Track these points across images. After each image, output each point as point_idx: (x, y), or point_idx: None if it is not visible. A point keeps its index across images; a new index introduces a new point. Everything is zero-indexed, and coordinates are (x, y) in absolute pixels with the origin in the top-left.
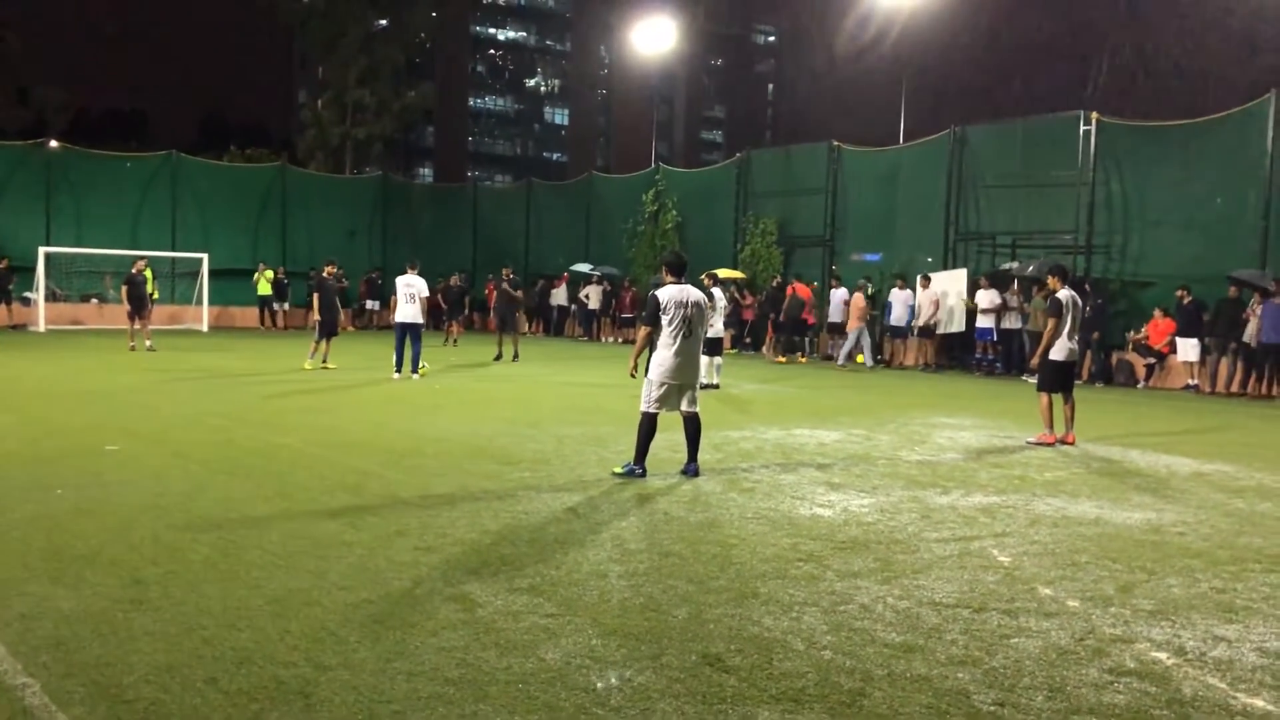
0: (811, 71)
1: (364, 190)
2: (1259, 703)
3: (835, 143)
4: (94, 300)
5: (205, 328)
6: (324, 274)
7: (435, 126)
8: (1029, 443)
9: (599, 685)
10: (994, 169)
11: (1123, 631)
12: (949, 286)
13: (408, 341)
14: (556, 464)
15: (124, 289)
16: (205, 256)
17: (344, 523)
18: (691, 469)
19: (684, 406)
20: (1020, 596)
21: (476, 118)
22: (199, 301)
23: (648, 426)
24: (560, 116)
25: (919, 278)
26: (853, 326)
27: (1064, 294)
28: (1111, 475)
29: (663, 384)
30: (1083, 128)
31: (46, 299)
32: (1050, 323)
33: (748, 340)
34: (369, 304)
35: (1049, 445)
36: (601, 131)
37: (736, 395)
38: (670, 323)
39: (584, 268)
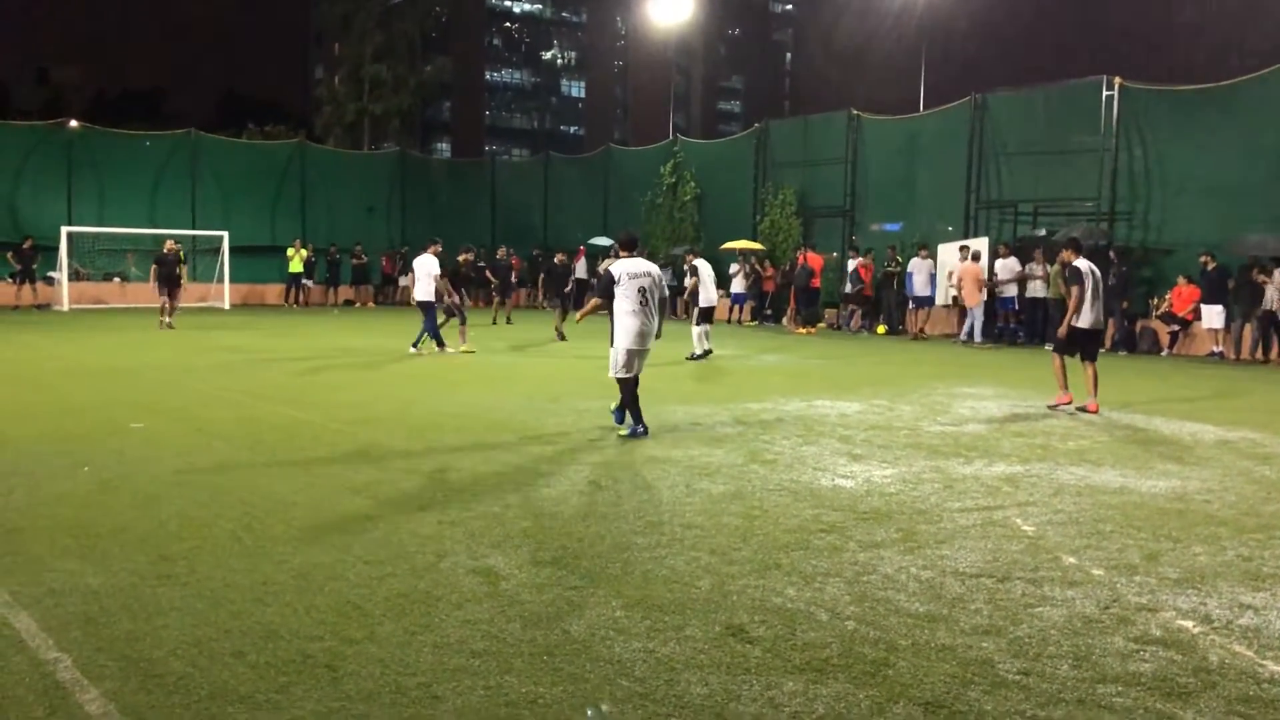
0: (829, 39)
1: (382, 166)
2: None
3: (854, 111)
4: (117, 279)
5: (228, 305)
6: (460, 260)
7: (452, 101)
8: (1049, 407)
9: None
10: (1015, 136)
11: (1148, 600)
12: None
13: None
14: (577, 437)
15: (153, 268)
16: (226, 234)
17: (367, 497)
18: (620, 418)
19: (639, 369)
20: (1044, 566)
21: (493, 92)
22: (220, 279)
23: (631, 390)
24: (577, 89)
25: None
26: (973, 303)
27: (1082, 263)
28: (1136, 443)
29: (627, 350)
30: (1105, 93)
31: (70, 278)
32: (1074, 291)
33: (768, 312)
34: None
35: (1067, 405)
36: (619, 104)
37: (757, 367)
38: (626, 294)
39: (602, 241)
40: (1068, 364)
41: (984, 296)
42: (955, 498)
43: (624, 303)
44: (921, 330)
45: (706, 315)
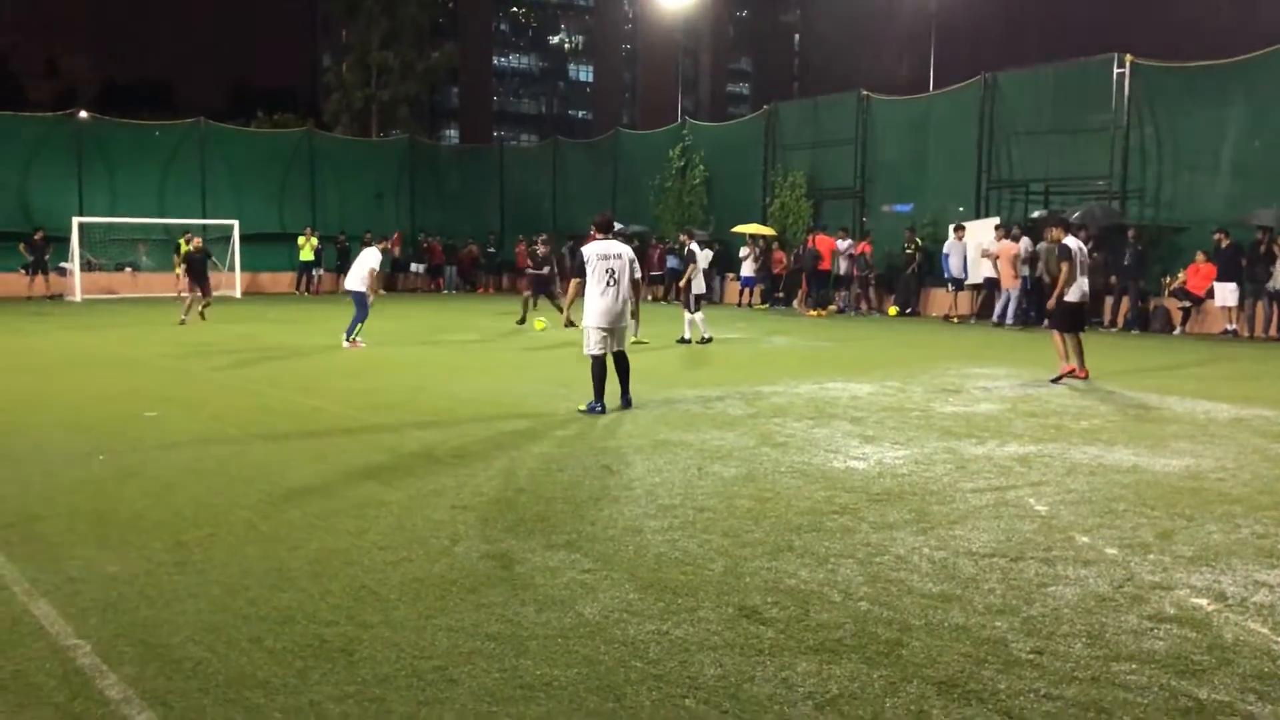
0: (838, 20)
1: (390, 153)
2: None
3: (864, 92)
4: (129, 269)
5: (239, 294)
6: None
7: (460, 87)
8: (1052, 381)
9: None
10: (1026, 115)
11: (1162, 578)
12: (981, 236)
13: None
14: (588, 421)
15: (182, 268)
16: (236, 223)
17: (381, 483)
18: (626, 401)
19: (614, 346)
20: (1058, 545)
21: (501, 77)
22: (231, 268)
23: (599, 369)
24: (585, 74)
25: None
26: (1010, 284)
27: (1071, 241)
28: (1149, 422)
29: (599, 328)
30: (1116, 70)
31: (82, 269)
32: (1064, 267)
33: (780, 295)
34: (414, 267)
35: (1071, 374)
36: (627, 88)
37: (767, 350)
38: (595, 274)
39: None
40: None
41: (1022, 276)
42: (968, 478)
43: (593, 283)
44: (957, 314)
45: (698, 301)
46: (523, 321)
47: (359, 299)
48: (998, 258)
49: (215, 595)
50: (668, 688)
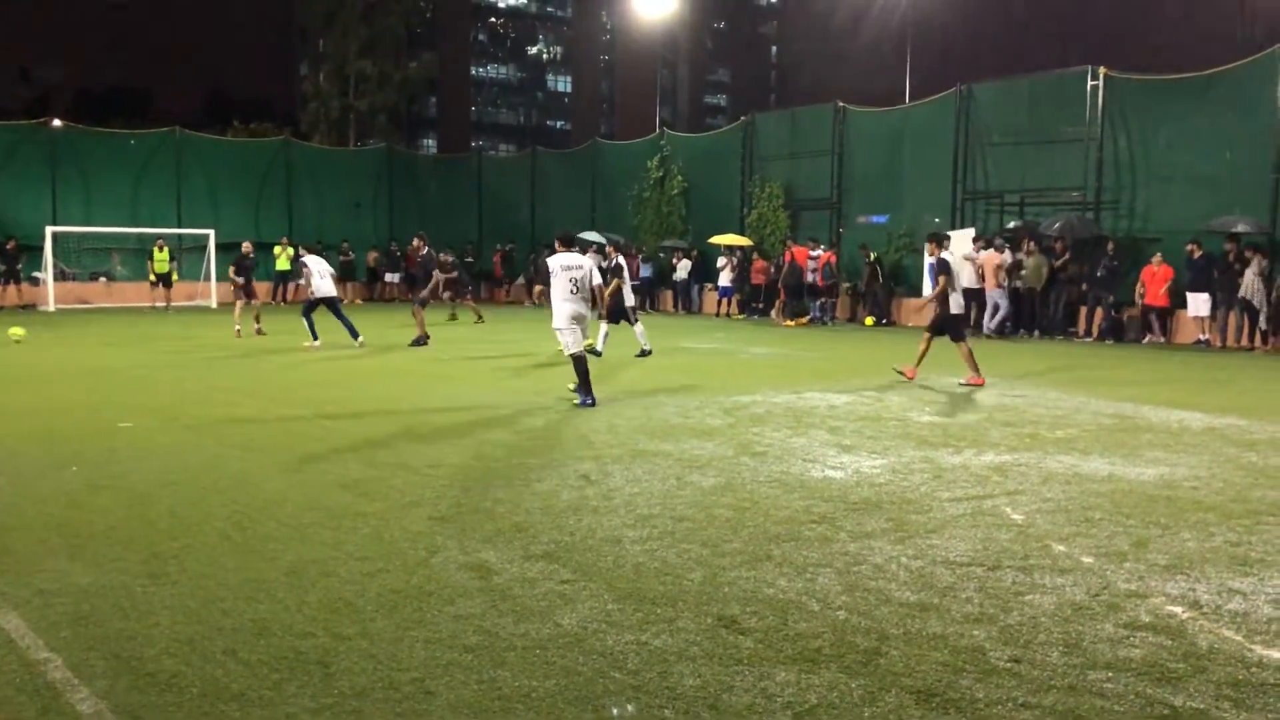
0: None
1: (368, 162)
2: (1275, 654)
3: (840, 103)
4: (102, 279)
5: (215, 304)
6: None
7: (438, 97)
8: (961, 384)
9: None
10: (1001, 126)
11: (1137, 586)
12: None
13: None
14: (567, 432)
15: (232, 272)
16: (212, 233)
17: (357, 494)
18: (587, 400)
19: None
20: (1034, 554)
21: (479, 87)
22: (207, 277)
23: (583, 365)
24: (563, 84)
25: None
26: (992, 288)
27: (949, 255)
28: (1124, 431)
29: (570, 329)
30: (1090, 83)
31: (55, 278)
32: (942, 280)
33: (758, 305)
34: (388, 277)
35: (979, 385)
36: (605, 98)
37: (746, 360)
38: (559, 283)
39: (590, 235)
40: (933, 345)
41: (1006, 285)
42: (945, 487)
43: (558, 291)
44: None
45: (624, 313)
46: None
47: (335, 304)
48: (983, 267)
49: (190, 607)
50: (646, 698)
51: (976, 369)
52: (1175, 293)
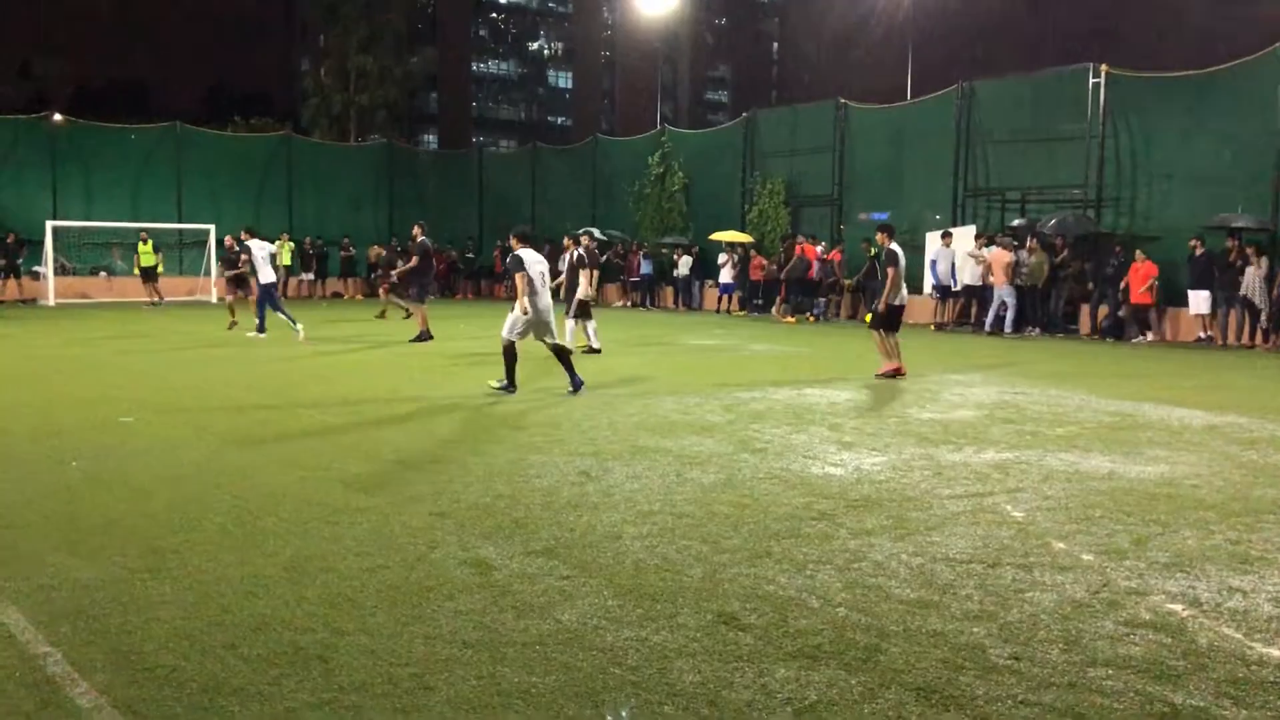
0: (816, 29)
1: (369, 158)
2: (1275, 652)
3: (842, 100)
4: (102, 273)
5: (215, 299)
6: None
7: (439, 92)
8: (878, 375)
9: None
10: (1003, 124)
11: (1137, 584)
12: (964, 244)
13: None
14: (567, 428)
15: (220, 264)
16: (212, 227)
17: (357, 489)
18: (577, 383)
19: (548, 339)
20: (1034, 551)
21: (480, 82)
22: (207, 272)
23: (512, 353)
24: (564, 80)
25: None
26: (1001, 284)
27: (896, 247)
28: (1124, 429)
29: (528, 322)
30: (1092, 80)
31: (56, 273)
32: (891, 273)
33: (758, 302)
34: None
35: (896, 373)
36: (606, 94)
37: (746, 356)
38: (531, 277)
39: (591, 232)
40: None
41: (1014, 283)
42: (945, 484)
43: (534, 285)
44: (948, 320)
45: (586, 309)
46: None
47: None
48: (990, 264)
49: (189, 602)
50: (646, 694)
51: (892, 357)
52: (1166, 290)
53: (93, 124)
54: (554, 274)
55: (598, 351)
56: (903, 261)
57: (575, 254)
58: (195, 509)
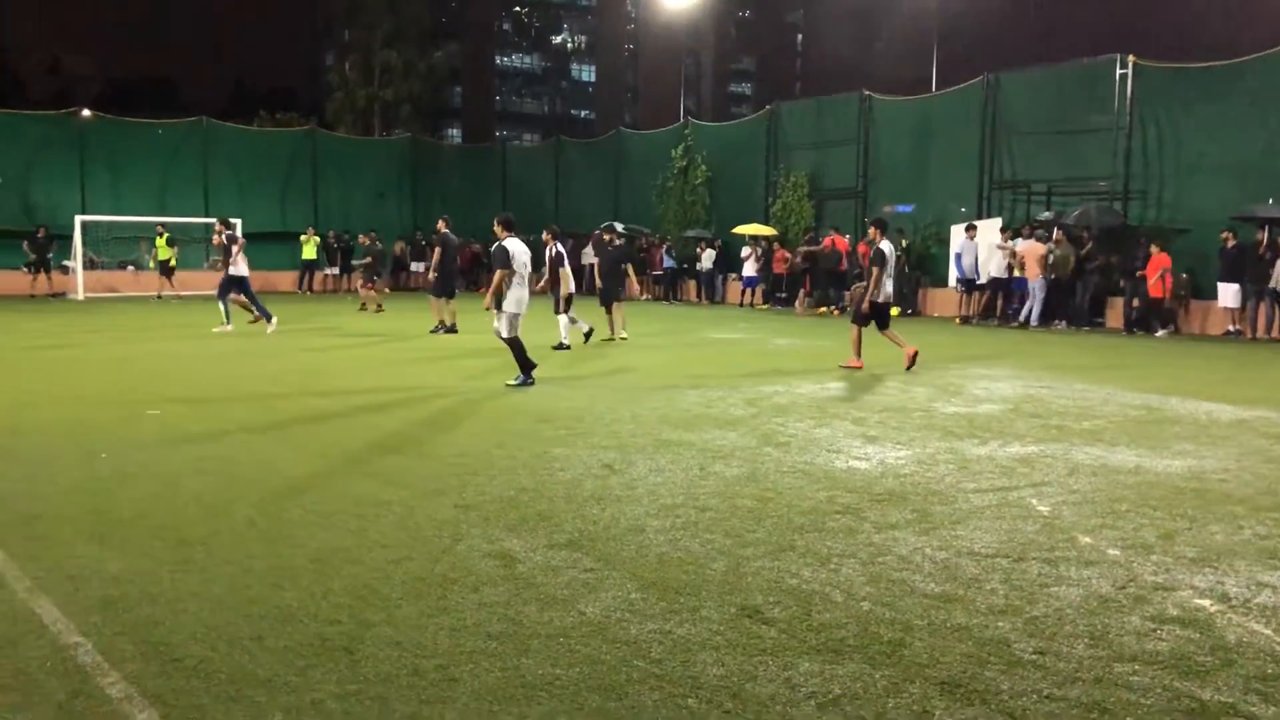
0: (841, 20)
1: (393, 152)
2: None
3: (866, 92)
4: (130, 267)
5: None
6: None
7: (463, 86)
8: (841, 366)
9: None
10: (1028, 116)
11: (1164, 579)
12: (991, 236)
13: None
14: (590, 421)
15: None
16: (239, 222)
17: (382, 481)
18: (527, 381)
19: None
20: (1060, 545)
21: (504, 77)
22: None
23: (521, 348)
24: (588, 73)
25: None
26: (1034, 277)
27: (885, 245)
28: (1151, 423)
29: (515, 315)
30: (1119, 71)
31: (84, 267)
32: (875, 271)
33: (782, 295)
34: (413, 266)
35: (858, 369)
36: (629, 87)
37: (770, 349)
38: (516, 269)
39: (614, 226)
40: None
41: (1047, 277)
42: (970, 479)
43: (515, 276)
44: (974, 313)
45: (569, 303)
46: (364, 308)
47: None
48: (1024, 258)
49: (217, 594)
50: (670, 687)
51: (859, 354)
52: (1194, 283)
53: (120, 119)
54: (537, 265)
55: (567, 348)
56: (890, 261)
57: (555, 249)
58: (222, 501)
